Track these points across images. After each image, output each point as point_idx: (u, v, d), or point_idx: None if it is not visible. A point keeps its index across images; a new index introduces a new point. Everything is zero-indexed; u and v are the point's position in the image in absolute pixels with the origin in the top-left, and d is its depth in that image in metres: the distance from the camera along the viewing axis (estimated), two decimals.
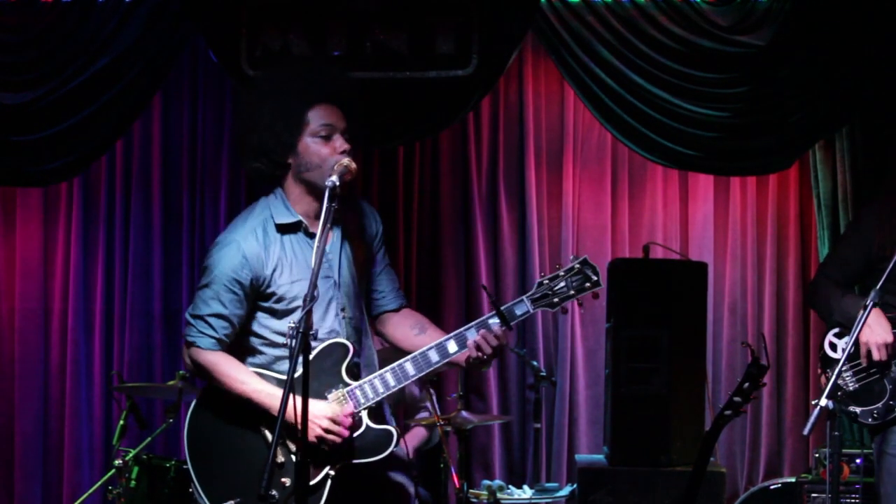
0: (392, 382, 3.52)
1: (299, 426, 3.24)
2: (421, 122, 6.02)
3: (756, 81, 5.79)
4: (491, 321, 3.42)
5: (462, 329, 3.46)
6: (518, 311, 3.49)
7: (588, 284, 3.53)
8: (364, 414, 3.55)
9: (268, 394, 3.58)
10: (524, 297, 3.48)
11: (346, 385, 3.55)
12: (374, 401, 3.53)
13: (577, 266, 3.50)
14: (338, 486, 3.53)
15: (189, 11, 5.92)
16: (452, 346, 3.46)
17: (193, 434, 3.70)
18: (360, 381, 3.55)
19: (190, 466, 3.68)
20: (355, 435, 3.53)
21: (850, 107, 5.84)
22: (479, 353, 3.46)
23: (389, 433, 3.55)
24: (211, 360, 3.66)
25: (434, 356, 3.47)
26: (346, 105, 3.70)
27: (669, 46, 5.82)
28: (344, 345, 3.59)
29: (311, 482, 3.50)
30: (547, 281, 3.50)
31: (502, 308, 3.43)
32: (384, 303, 3.82)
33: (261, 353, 3.69)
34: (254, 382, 3.62)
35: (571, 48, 5.89)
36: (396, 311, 3.82)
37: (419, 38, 5.90)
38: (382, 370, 3.54)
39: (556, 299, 3.49)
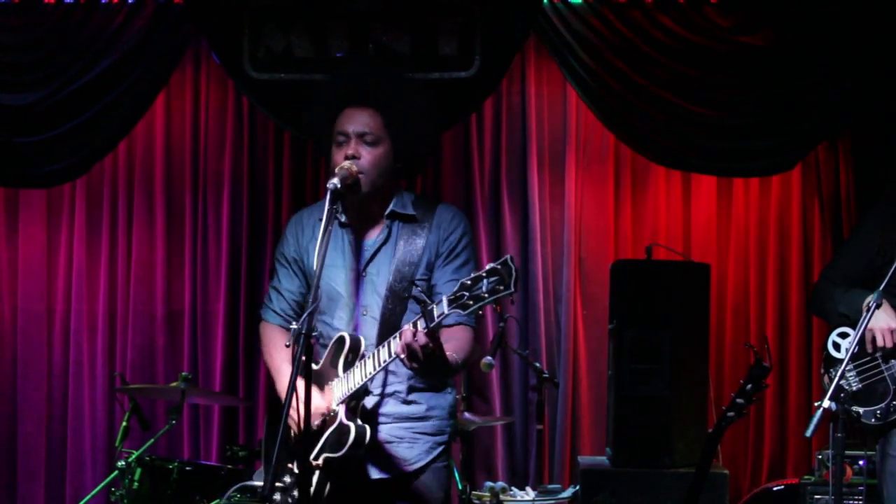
0: (357, 378, 3.51)
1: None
2: None
3: (758, 83, 5.79)
4: (419, 321, 3.36)
5: (404, 327, 3.40)
6: (436, 312, 3.27)
7: (501, 288, 3.18)
8: (341, 408, 3.53)
9: (278, 369, 3.73)
10: (444, 297, 3.25)
11: (337, 378, 3.56)
12: (346, 396, 3.52)
13: (498, 267, 3.20)
14: (326, 480, 3.52)
15: (191, 13, 5.93)
16: (396, 344, 3.41)
17: (268, 411, 3.85)
18: (341, 377, 3.55)
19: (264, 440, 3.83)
20: (330, 430, 3.52)
21: (853, 108, 5.84)
22: (399, 351, 3.33)
23: (348, 431, 3.49)
24: (262, 329, 3.89)
25: (384, 353, 3.45)
26: (382, 107, 3.62)
27: (671, 47, 5.82)
28: (342, 338, 3.59)
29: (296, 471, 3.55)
30: (469, 281, 3.22)
31: (427, 308, 3.28)
32: None
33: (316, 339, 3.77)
34: (276, 357, 3.76)
35: (574, 49, 5.90)
36: (450, 326, 3.63)
37: (421, 40, 5.90)
38: (354, 366, 3.54)
39: (469, 301, 3.20)
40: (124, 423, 5.41)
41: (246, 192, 6.63)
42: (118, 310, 6.63)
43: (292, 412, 3.46)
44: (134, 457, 5.22)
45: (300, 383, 3.29)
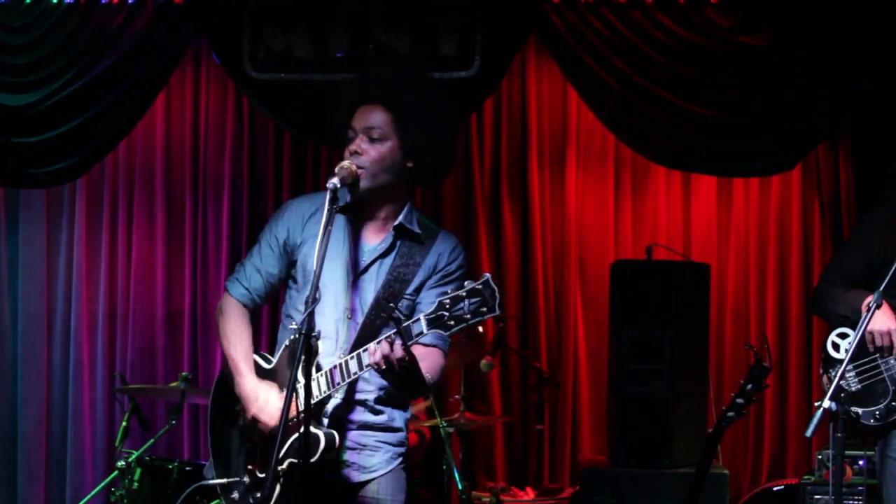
0: (324, 387, 3.48)
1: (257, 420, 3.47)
2: None
3: (758, 83, 5.79)
4: (395, 338, 3.30)
5: (375, 341, 3.38)
6: (414, 331, 3.27)
7: (484, 309, 3.16)
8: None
9: (236, 363, 3.62)
10: (421, 316, 3.25)
11: (298, 383, 3.53)
12: (310, 403, 3.47)
13: (479, 287, 3.17)
14: (288, 485, 3.48)
15: (191, 13, 5.93)
16: (367, 358, 3.38)
17: (212, 406, 3.77)
18: (304, 383, 3.51)
19: (209, 436, 3.76)
20: (295, 436, 3.48)
21: (853, 109, 5.83)
22: (373, 361, 3.32)
23: (317, 439, 3.46)
24: (225, 305, 3.75)
25: (353, 365, 3.42)
26: (392, 105, 3.58)
27: (671, 47, 5.81)
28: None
29: (262, 475, 3.52)
30: (448, 301, 3.20)
31: (403, 325, 3.27)
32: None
33: (284, 327, 3.70)
34: (237, 347, 3.65)
35: (574, 49, 5.89)
36: (424, 346, 3.56)
37: (421, 40, 5.90)
38: (319, 374, 3.49)
39: (451, 322, 3.18)
40: (124, 423, 5.41)
41: (246, 192, 6.63)
42: (118, 310, 6.63)
43: (265, 416, 3.48)
44: (134, 457, 5.22)
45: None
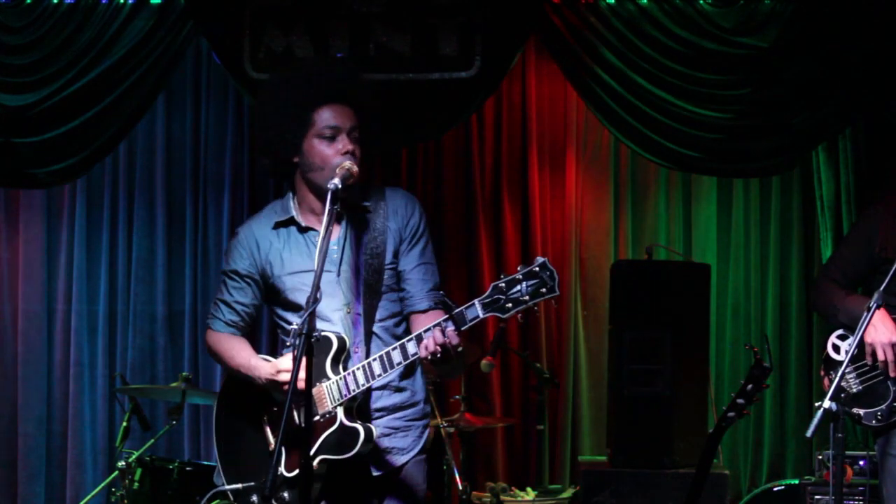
0: (361, 380, 3.50)
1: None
2: (424, 125, 6.02)
3: (759, 83, 5.79)
4: (446, 325, 3.34)
5: (421, 330, 3.41)
6: (469, 316, 3.30)
7: (544, 290, 3.26)
8: (339, 410, 3.52)
9: (247, 364, 3.67)
10: (476, 301, 3.29)
11: (328, 380, 3.55)
12: (346, 398, 3.51)
13: (536, 269, 3.26)
14: (322, 482, 3.53)
15: (192, 13, 5.93)
16: (412, 347, 3.41)
17: (218, 414, 3.81)
18: (336, 378, 3.53)
19: (215, 445, 3.80)
20: (328, 432, 3.51)
21: (853, 109, 5.83)
22: (427, 353, 3.35)
23: (356, 432, 3.49)
24: (213, 338, 3.82)
25: (397, 356, 3.44)
26: (357, 105, 3.67)
27: (672, 48, 5.81)
28: (328, 338, 3.57)
29: (290, 474, 3.53)
30: (503, 284, 3.26)
31: (455, 312, 3.31)
32: (411, 303, 3.70)
33: (282, 342, 3.79)
34: (243, 355, 3.71)
35: (574, 50, 5.89)
36: (423, 312, 3.68)
37: (422, 40, 5.90)
38: (355, 367, 3.52)
39: (508, 304, 3.23)
40: (124, 424, 5.42)
41: (246, 192, 6.64)
42: (118, 310, 6.64)
43: (284, 376, 3.50)
44: (134, 457, 5.23)
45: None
